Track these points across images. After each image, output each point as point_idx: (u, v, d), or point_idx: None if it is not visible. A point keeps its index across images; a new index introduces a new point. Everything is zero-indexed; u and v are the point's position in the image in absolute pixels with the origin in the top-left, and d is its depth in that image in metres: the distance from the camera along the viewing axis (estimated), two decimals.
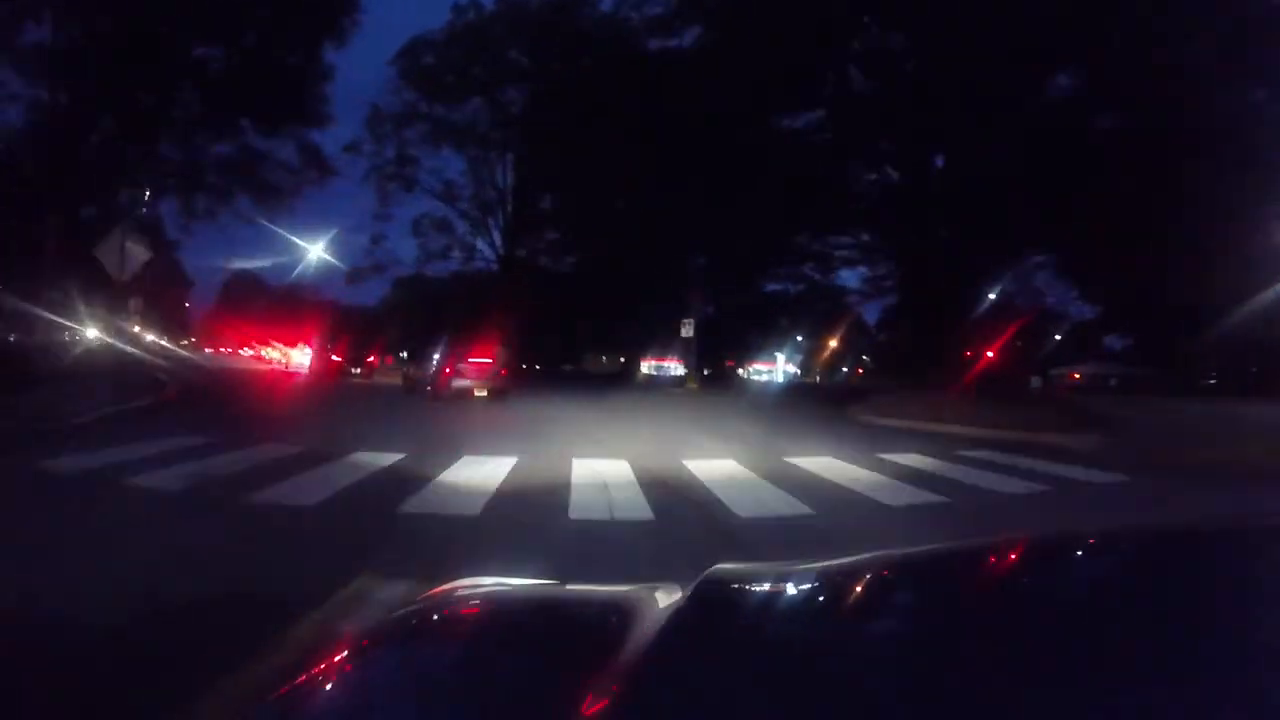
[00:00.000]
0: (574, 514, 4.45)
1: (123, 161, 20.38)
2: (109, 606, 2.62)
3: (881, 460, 7.08)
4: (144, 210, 19.57)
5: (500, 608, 0.95)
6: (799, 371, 51.25)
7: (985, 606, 0.77)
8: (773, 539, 4.12)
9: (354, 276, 31.02)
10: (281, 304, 47.84)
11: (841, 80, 19.00)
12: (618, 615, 0.81)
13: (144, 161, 20.90)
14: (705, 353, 28.70)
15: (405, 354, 32.82)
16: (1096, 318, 32.75)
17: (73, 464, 5.28)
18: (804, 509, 4.77)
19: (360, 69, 24.90)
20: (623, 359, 41.50)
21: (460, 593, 0.96)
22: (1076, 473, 6.73)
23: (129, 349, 14.84)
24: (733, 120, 17.32)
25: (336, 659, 0.69)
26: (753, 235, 20.40)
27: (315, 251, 25.56)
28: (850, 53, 18.53)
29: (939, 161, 18.23)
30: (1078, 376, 41.75)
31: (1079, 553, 1.00)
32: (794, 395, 25.58)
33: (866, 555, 0.97)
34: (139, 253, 10.66)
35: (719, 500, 4.93)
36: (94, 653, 2.26)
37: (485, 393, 14.95)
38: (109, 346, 14.69)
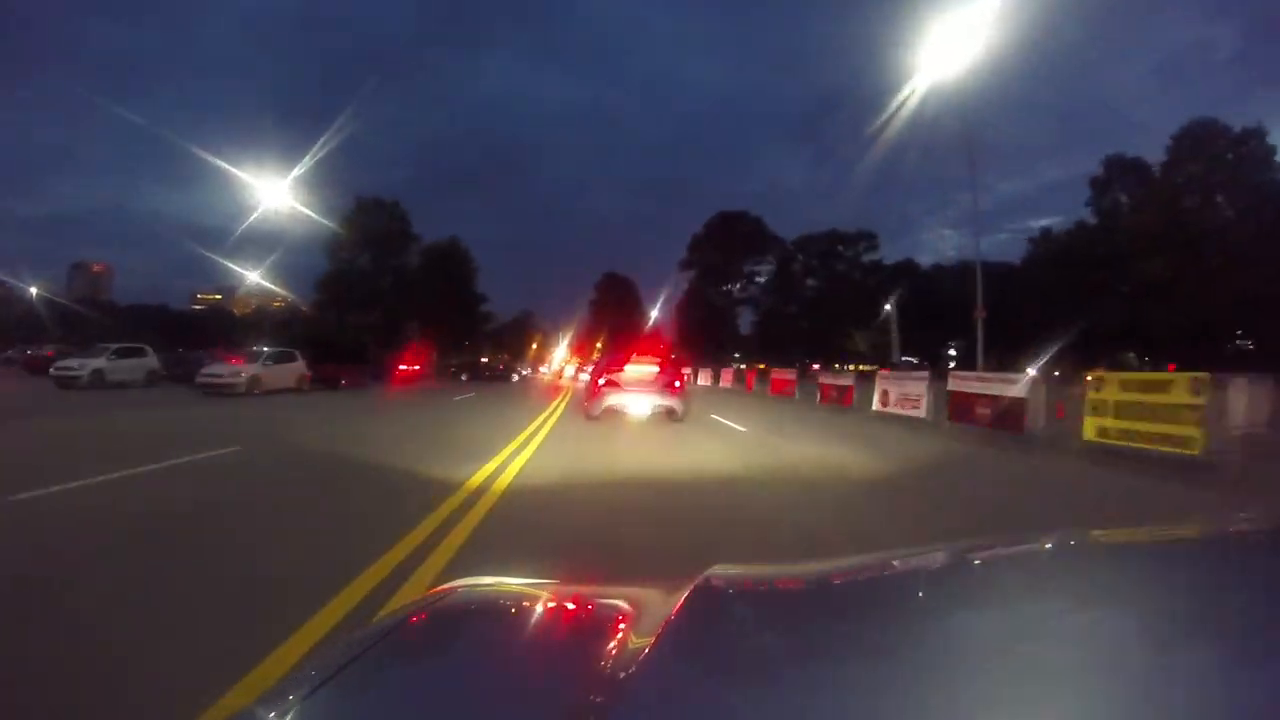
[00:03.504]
0: None
1: None
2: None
3: None
4: None
5: (500, 608, 0.95)
6: None
7: (984, 608, 0.77)
8: None
9: None
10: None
11: None
12: (618, 615, 0.81)
13: None
14: None
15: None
16: None
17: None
18: None
19: None
20: None
21: (460, 592, 0.96)
22: None
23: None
24: None
25: (337, 659, 0.69)
26: None
27: None
28: None
29: None
30: None
31: (1079, 554, 1.00)
32: None
33: (865, 556, 0.97)
34: None
35: None
36: None
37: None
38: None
